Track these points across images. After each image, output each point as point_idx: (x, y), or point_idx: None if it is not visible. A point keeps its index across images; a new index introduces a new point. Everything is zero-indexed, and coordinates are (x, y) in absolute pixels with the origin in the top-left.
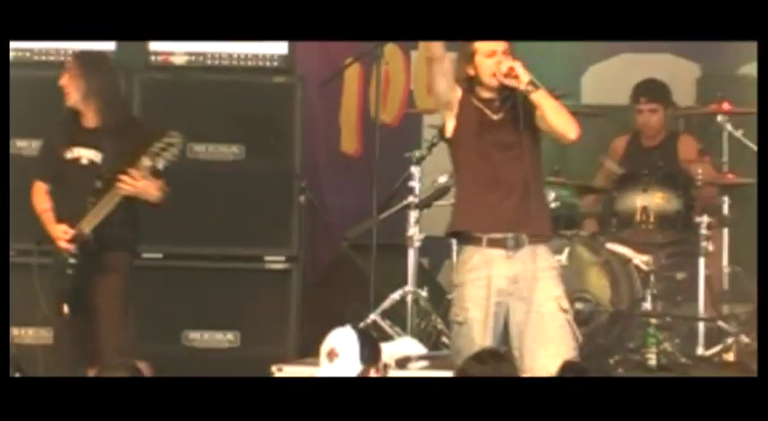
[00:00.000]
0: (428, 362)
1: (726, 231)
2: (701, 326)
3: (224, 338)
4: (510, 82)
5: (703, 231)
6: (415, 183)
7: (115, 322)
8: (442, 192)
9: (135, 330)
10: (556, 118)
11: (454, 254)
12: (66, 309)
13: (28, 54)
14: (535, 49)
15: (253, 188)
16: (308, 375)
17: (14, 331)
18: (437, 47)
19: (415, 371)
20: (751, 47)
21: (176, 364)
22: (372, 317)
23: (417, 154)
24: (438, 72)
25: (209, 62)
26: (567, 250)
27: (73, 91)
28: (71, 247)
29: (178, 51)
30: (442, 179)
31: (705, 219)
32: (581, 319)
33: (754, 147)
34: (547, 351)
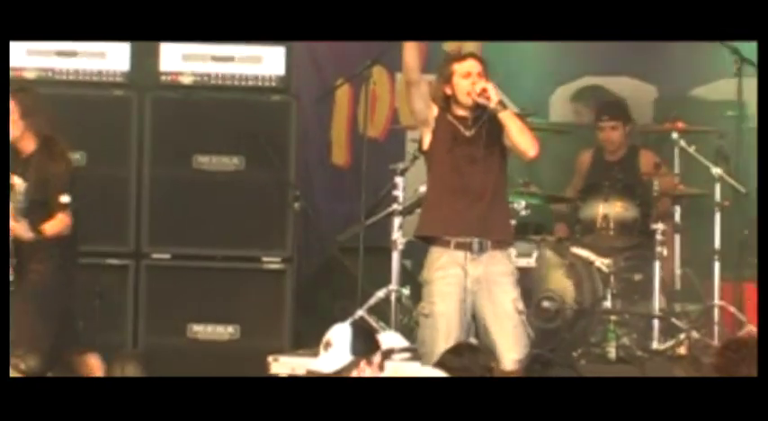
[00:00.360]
0: (410, 353)
1: (678, 237)
2: (656, 322)
3: (225, 331)
4: (482, 101)
5: (658, 237)
6: (399, 192)
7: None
8: (423, 201)
9: (144, 323)
10: (519, 136)
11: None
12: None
13: (50, 73)
14: (509, 70)
15: (252, 196)
16: (302, 365)
17: None
18: (414, 72)
19: (398, 361)
20: (703, 70)
21: (181, 354)
22: (360, 313)
23: (401, 165)
24: (415, 94)
25: (213, 82)
26: (535, 253)
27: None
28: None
29: (186, 72)
30: (423, 189)
31: (660, 226)
32: (548, 316)
33: (706, 162)
34: (503, 346)
